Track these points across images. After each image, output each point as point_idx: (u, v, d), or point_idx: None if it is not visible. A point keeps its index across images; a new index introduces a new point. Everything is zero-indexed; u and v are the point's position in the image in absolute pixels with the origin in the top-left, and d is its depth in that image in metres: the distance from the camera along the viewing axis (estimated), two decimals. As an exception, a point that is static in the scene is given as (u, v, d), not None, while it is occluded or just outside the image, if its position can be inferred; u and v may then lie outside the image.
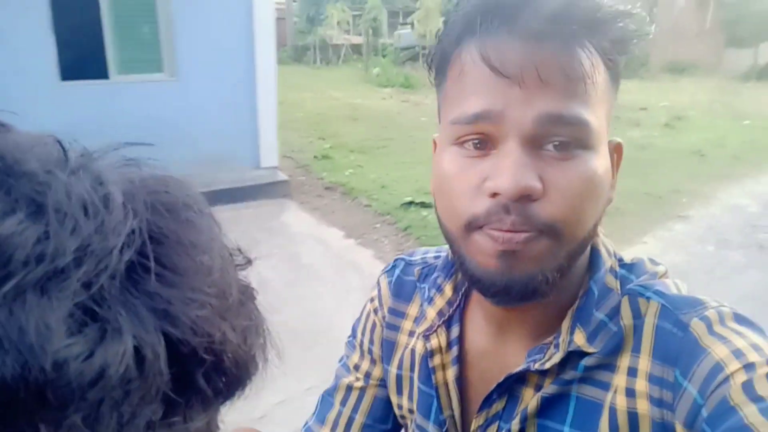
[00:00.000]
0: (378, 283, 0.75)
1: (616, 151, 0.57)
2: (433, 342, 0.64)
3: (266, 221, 5.09)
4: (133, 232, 0.18)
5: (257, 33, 5.76)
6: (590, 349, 0.54)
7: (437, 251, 0.73)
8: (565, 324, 0.55)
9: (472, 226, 0.51)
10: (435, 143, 0.59)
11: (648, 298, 0.55)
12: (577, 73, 0.49)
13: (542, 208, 0.49)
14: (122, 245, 0.18)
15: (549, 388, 0.55)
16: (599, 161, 0.51)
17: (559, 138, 0.49)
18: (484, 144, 0.51)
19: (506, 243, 0.49)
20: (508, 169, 0.48)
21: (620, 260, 0.59)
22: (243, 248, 0.25)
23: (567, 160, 0.50)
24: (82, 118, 4.58)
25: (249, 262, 0.25)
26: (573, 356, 0.55)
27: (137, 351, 0.17)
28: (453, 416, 0.63)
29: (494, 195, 0.49)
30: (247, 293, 0.25)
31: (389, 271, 0.75)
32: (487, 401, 0.59)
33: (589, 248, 0.57)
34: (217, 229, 0.23)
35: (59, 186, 0.18)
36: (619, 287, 0.56)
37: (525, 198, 0.49)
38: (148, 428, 0.18)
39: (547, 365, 0.54)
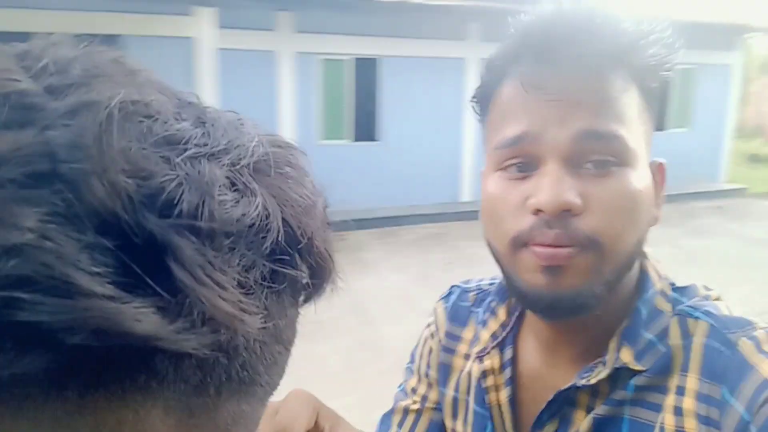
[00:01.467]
0: (435, 309, 0.77)
1: (658, 171, 0.59)
2: (487, 363, 0.65)
3: None
4: (260, 142, 0.25)
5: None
6: (637, 367, 0.54)
7: (492, 279, 0.74)
8: (613, 342, 0.56)
9: (518, 243, 0.53)
10: (482, 177, 0.61)
11: (697, 318, 0.55)
12: (609, 93, 0.52)
13: (583, 222, 0.51)
14: (253, 147, 0.24)
15: (600, 409, 0.56)
16: (638, 178, 0.52)
17: (596, 155, 0.51)
18: (526, 167, 0.53)
19: (550, 259, 0.51)
20: (548, 186, 0.50)
21: (672, 284, 0.60)
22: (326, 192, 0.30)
23: (605, 177, 0.51)
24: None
25: (328, 203, 0.30)
26: (622, 375, 0.55)
27: (265, 213, 0.23)
28: None
29: (537, 212, 0.51)
30: (328, 220, 0.29)
31: (445, 297, 0.77)
32: (539, 422, 0.60)
33: (638, 270, 0.58)
34: (310, 170, 0.29)
35: (212, 111, 0.26)
36: (671, 310, 0.57)
37: (566, 213, 0.50)
38: (264, 280, 0.23)
39: (593, 380, 0.55)
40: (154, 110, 0.22)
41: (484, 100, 0.59)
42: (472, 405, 0.68)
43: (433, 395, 0.74)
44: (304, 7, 7.06)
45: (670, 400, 0.53)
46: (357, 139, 8.00)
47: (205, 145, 0.23)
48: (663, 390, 0.54)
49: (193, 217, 0.20)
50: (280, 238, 0.24)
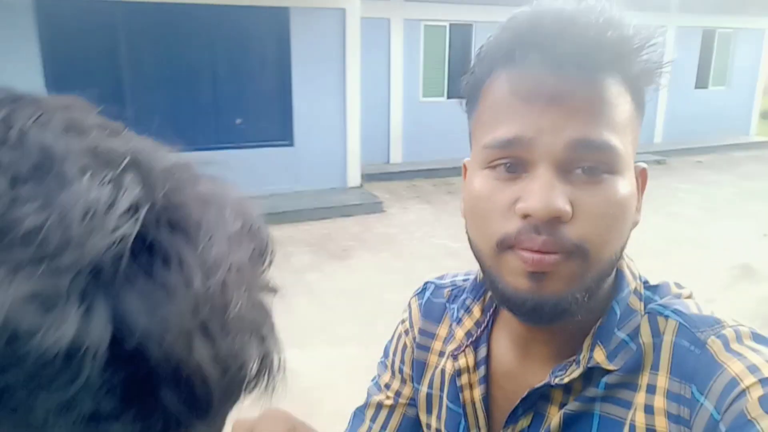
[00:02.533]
0: (409, 305, 0.77)
1: (641, 175, 0.59)
2: (461, 362, 0.66)
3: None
4: (122, 239, 0.20)
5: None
6: (610, 367, 0.55)
7: (466, 274, 0.75)
8: (587, 342, 0.56)
9: (504, 245, 0.53)
10: (465, 167, 0.61)
11: (666, 317, 0.56)
12: (604, 101, 0.51)
13: (571, 229, 0.50)
14: (102, 248, 0.19)
15: (572, 405, 0.57)
16: (626, 185, 0.53)
17: (587, 163, 0.51)
18: (515, 167, 0.53)
19: (536, 265, 0.51)
20: (539, 192, 0.50)
21: (645, 282, 0.61)
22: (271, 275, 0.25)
23: (595, 184, 0.51)
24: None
25: (274, 290, 0.26)
26: (595, 374, 0.56)
27: (76, 345, 0.18)
28: None
29: (525, 216, 0.51)
30: (253, 317, 0.24)
31: (420, 293, 0.77)
32: (513, 417, 0.61)
33: (614, 271, 0.58)
34: (237, 247, 0.23)
35: (75, 188, 0.20)
36: (642, 308, 0.57)
37: (555, 220, 0.50)
38: (84, 424, 0.19)
39: (566, 380, 0.56)
40: None
41: (473, 91, 0.58)
42: (445, 402, 0.68)
43: (406, 391, 0.74)
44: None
45: (640, 397, 0.54)
46: (450, 97, 9.07)
47: (28, 244, 0.18)
48: (633, 387, 0.55)
49: None
50: (101, 376, 0.19)
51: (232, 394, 0.24)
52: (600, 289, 0.55)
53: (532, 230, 0.51)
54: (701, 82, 11.28)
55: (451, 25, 8.87)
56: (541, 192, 0.50)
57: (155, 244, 0.21)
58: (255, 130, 7.09)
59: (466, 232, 0.59)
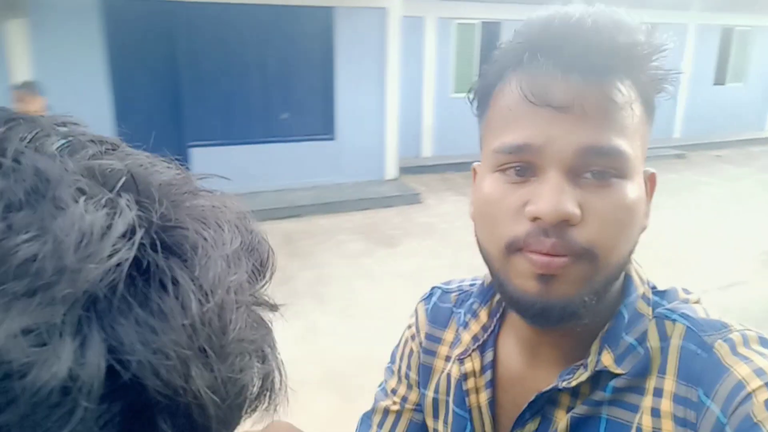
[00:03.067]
0: (416, 311, 0.77)
1: (649, 180, 0.59)
2: (467, 366, 0.66)
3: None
4: (117, 265, 0.20)
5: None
6: (617, 370, 0.55)
7: (473, 279, 0.74)
8: (594, 346, 0.57)
9: (512, 247, 0.53)
10: (474, 171, 0.62)
11: (674, 321, 0.56)
12: (615, 106, 0.51)
13: (580, 233, 0.51)
14: (97, 276, 0.19)
15: (579, 408, 0.56)
16: (635, 190, 0.53)
17: (597, 167, 0.51)
18: (525, 171, 0.53)
19: (545, 267, 0.51)
20: (549, 195, 0.50)
21: (653, 288, 0.61)
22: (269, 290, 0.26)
23: (604, 188, 0.52)
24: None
25: (274, 306, 0.26)
26: (602, 377, 0.56)
27: (72, 377, 0.18)
28: None
29: (535, 219, 0.51)
30: (252, 339, 0.24)
31: (426, 299, 0.77)
32: (520, 421, 0.61)
33: (623, 275, 0.58)
34: (234, 269, 0.23)
35: (71, 215, 0.20)
36: (651, 313, 0.58)
37: (564, 223, 0.50)
38: None
39: (574, 383, 0.56)
40: None
41: (484, 95, 0.59)
42: (451, 406, 0.68)
43: (413, 396, 0.74)
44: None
45: (647, 401, 0.54)
46: (479, 93, 9.39)
47: (23, 276, 0.18)
48: (641, 391, 0.55)
49: None
50: (100, 405, 0.19)
51: (231, 419, 0.24)
52: (608, 292, 0.55)
53: (541, 233, 0.51)
54: (719, 79, 11.57)
55: (482, 23, 9.19)
56: (551, 195, 0.50)
57: (151, 269, 0.21)
58: (299, 125, 7.44)
59: (475, 235, 0.59)
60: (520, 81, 0.53)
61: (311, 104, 7.48)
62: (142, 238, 0.21)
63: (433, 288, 0.78)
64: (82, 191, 0.21)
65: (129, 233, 0.21)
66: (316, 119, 7.53)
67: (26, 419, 0.18)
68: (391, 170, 7.97)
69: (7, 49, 5.87)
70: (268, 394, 0.25)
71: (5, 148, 0.21)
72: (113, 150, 0.25)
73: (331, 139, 7.60)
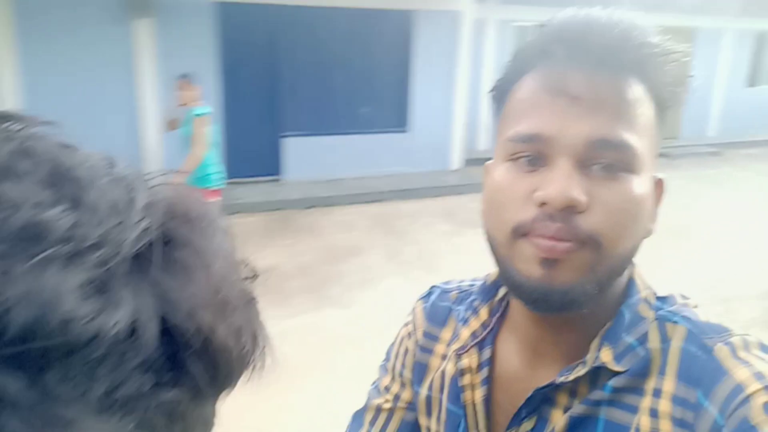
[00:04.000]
0: (414, 309, 0.77)
1: (657, 186, 0.60)
2: (465, 362, 0.66)
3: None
4: (146, 229, 0.23)
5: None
6: (616, 367, 0.55)
7: (472, 280, 0.75)
8: (594, 343, 0.57)
9: (518, 232, 0.54)
10: (486, 169, 0.62)
11: (675, 323, 0.57)
12: (627, 102, 0.53)
13: (586, 220, 0.52)
14: (135, 239, 0.22)
15: (577, 408, 0.57)
16: (642, 186, 0.54)
17: (606, 160, 0.52)
18: (536, 161, 0.54)
19: (549, 251, 0.52)
20: (557, 181, 0.51)
21: (654, 293, 0.61)
22: (250, 261, 0.29)
23: (612, 180, 0.53)
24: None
25: (255, 275, 0.29)
26: (601, 376, 0.57)
27: (133, 323, 0.21)
28: None
29: (542, 205, 0.52)
30: (248, 300, 0.28)
31: (425, 297, 0.77)
32: (516, 419, 0.61)
33: (626, 278, 0.59)
34: (226, 241, 0.27)
35: (97, 188, 0.23)
36: (653, 317, 0.58)
37: (570, 209, 0.51)
38: (139, 397, 0.21)
39: (572, 377, 0.56)
40: (8, 198, 0.20)
41: (502, 91, 0.60)
42: (445, 403, 0.68)
43: (405, 395, 0.74)
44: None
45: (646, 402, 0.54)
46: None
47: (69, 240, 0.20)
48: (640, 392, 0.55)
49: (23, 343, 0.18)
50: (155, 350, 0.22)
51: (242, 366, 0.27)
52: (610, 287, 0.56)
53: (547, 218, 0.52)
54: (752, 81, 12.18)
55: (537, 26, 9.80)
56: (559, 181, 0.51)
57: (173, 235, 0.24)
58: (377, 118, 8.14)
59: (483, 226, 0.60)
60: (537, 74, 0.56)
61: (388, 99, 8.17)
62: (162, 208, 0.25)
63: (432, 287, 0.78)
64: (97, 173, 0.24)
65: (149, 205, 0.24)
66: (391, 113, 8.22)
67: (91, 365, 0.20)
68: (456, 161, 8.64)
69: (135, 46, 6.57)
70: (260, 348, 0.28)
71: (13, 138, 0.23)
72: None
73: (405, 131, 8.29)
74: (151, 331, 0.22)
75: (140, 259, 0.22)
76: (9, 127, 0.24)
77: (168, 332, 0.23)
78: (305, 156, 7.70)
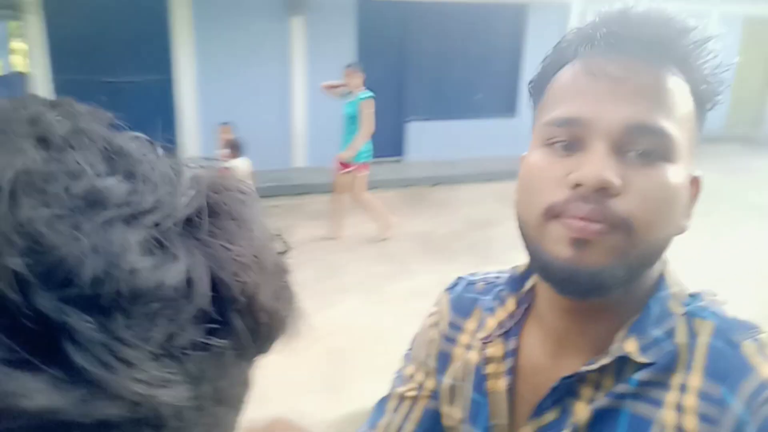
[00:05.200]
0: (439, 299, 0.78)
1: (694, 183, 0.59)
2: (490, 351, 0.66)
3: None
4: (194, 197, 0.25)
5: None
6: (640, 359, 0.55)
7: (498, 272, 0.75)
8: (620, 334, 0.57)
9: (550, 213, 0.54)
10: (522, 159, 0.62)
11: (704, 318, 0.57)
12: (666, 90, 0.53)
13: (619, 203, 0.51)
14: (185, 205, 0.24)
15: (601, 400, 0.56)
16: (677, 176, 0.53)
17: (642, 146, 0.52)
18: (572, 146, 0.54)
19: (580, 231, 0.52)
20: (591, 163, 0.51)
21: (685, 291, 0.61)
22: (283, 236, 0.30)
23: (647, 167, 0.52)
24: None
25: (288, 248, 0.31)
26: (626, 369, 0.56)
27: (188, 277, 0.23)
28: (500, 425, 0.66)
29: (576, 186, 0.52)
30: (282, 267, 0.29)
31: (451, 288, 0.78)
32: (539, 409, 0.61)
33: (657, 273, 0.59)
34: (261, 214, 0.29)
35: (147, 163, 0.25)
36: (682, 313, 0.58)
37: (604, 191, 0.51)
38: (192, 347, 0.23)
39: (596, 366, 0.56)
40: (70, 170, 0.22)
41: (543, 81, 0.60)
42: (469, 392, 0.69)
43: (429, 384, 0.75)
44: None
45: (672, 396, 0.54)
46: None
47: (128, 204, 0.22)
48: (665, 386, 0.55)
49: (93, 290, 0.20)
50: (207, 303, 0.23)
51: (280, 328, 0.28)
52: (640, 276, 0.56)
53: (581, 199, 0.52)
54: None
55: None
56: (594, 163, 0.51)
57: (217, 205, 0.26)
58: (489, 104, 8.83)
59: (515, 209, 0.60)
60: (577, 61, 0.57)
61: (500, 87, 8.85)
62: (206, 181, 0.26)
63: (458, 278, 0.79)
64: (144, 149, 0.26)
65: (196, 178, 0.26)
66: (502, 100, 8.89)
67: (152, 313, 0.21)
68: (558, 145, 9.25)
69: (291, 39, 7.46)
70: (294, 315, 0.30)
71: (70, 119, 0.25)
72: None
73: (513, 117, 8.95)
74: (203, 285, 0.23)
75: (190, 224, 0.24)
76: (65, 110, 0.26)
77: (217, 289, 0.24)
78: (425, 139, 8.47)
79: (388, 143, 8.37)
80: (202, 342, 0.24)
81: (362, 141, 5.31)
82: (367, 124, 5.28)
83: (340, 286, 4.53)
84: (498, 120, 8.84)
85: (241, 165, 5.34)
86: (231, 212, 0.27)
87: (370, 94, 5.33)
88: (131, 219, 0.22)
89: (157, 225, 0.23)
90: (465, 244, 5.55)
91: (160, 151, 0.27)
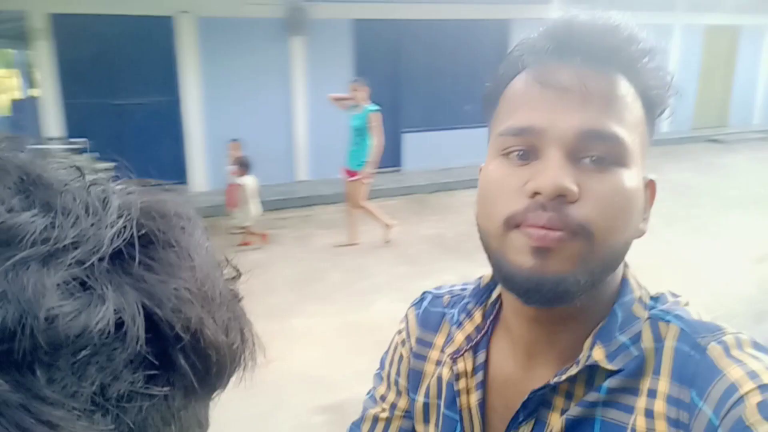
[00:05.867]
0: (406, 316, 0.78)
1: (649, 187, 0.60)
2: (460, 366, 0.66)
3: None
4: (124, 227, 0.23)
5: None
6: (609, 366, 0.56)
7: (464, 284, 0.75)
8: (587, 342, 0.58)
9: (510, 223, 0.54)
10: (481, 170, 0.62)
11: (668, 322, 0.57)
12: (616, 96, 0.54)
13: (577, 209, 0.52)
14: (113, 236, 0.22)
15: (573, 410, 0.57)
16: (632, 180, 0.55)
17: (596, 152, 0.53)
18: (527, 155, 0.55)
19: (540, 240, 0.52)
20: (547, 171, 0.52)
21: (648, 294, 0.62)
22: (231, 261, 0.28)
23: (602, 173, 0.53)
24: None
25: (239, 274, 0.28)
26: (596, 377, 0.57)
27: (118, 318, 0.20)
28: None
29: (534, 195, 0.53)
30: (233, 297, 0.27)
31: (417, 304, 0.78)
32: (514, 423, 0.61)
33: (619, 277, 0.60)
34: (205, 239, 0.26)
35: (68, 193, 0.22)
36: (646, 316, 0.58)
37: (562, 198, 0.52)
38: (130, 397, 0.21)
39: (564, 377, 0.57)
40: None
41: (495, 90, 0.61)
42: (442, 409, 0.69)
43: (402, 403, 0.74)
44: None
45: (641, 402, 0.55)
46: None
47: (45, 241, 0.20)
48: (635, 392, 0.55)
49: (5, 344, 0.18)
50: (143, 346, 0.21)
51: (233, 362, 0.26)
52: (603, 282, 0.56)
53: (539, 207, 0.52)
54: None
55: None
56: (550, 171, 0.52)
57: (152, 233, 0.24)
58: (477, 114, 9.22)
59: (476, 221, 0.60)
60: (529, 71, 0.57)
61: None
62: (138, 208, 0.24)
63: (424, 293, 0.79)
64: (68, 178, 0.24)
65: (126, 206, 0.24)
66: (490, 110, 9.35)
67: (80, 363, 0.19)
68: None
69: (291, 58, 7.77)
70: (249, 345, 0.27)
71: None
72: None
73: (501, 125, 9.41)
74: (137, 326, 0.21)
75: (120, 258, 0.22)
76: None
77: (156, 328, 0.22)
78: (420, 149, 8.84)
79: (387, 154, 8.64)
80: (142, 390, 0.22)
81: (378, 152, 5.60)
82: (379, 134, 5.58)
83: (370, 287, 4.81)
84: (486, 130, 9.27)
85: (249, 182, 5.64)
86: (168, 240, 0.25)
87: (377, 107, 5.62)
88: (49, 258, 0.20)
89: (79, 262, 0.21)
90: (475, 244, 5.67)
91: (88, 178, 0.25)
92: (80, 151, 5.30)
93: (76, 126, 6.62)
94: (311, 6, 7.38)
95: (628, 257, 0.60)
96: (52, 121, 6.81)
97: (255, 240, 5.83)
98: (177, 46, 7.26)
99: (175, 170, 6.54)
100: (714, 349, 0.53)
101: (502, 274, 0.57)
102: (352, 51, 8.18)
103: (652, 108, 0.58)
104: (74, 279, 0.20)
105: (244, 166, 5.69)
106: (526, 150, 0.55)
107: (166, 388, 0.23)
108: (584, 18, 0.57)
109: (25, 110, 7.81)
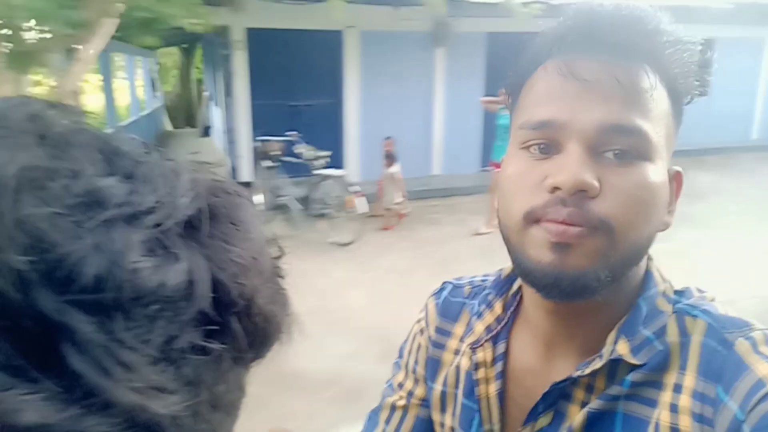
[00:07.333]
0: (426, 305, 0.78)
1: (675, 179, 0.59)
2: (479, 356, 0.66)
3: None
4: (195, 198, 0.25)
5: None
6: (633, 360, 0.55)
7: (484, 276, 0.76)
8: (611, 336, 0.57)
9: (530, 218, 0.54)
10: (501, 164, 0.62)
11: (695, 317, 0.56)
12: (639, 88, 0.52)
13: (597, 204, 0.51)
14: (185, 205, 0.24)
15: (595, 403, 0.56)
16: (656, 174, 0.53)
17: (618, 146, 0.52)
18: (548, 148, 0.54)
19: (560, 235, 0.51)
20: (568, 166, 0.51)
21: (672, 287, 0.61)
22: (278, 240, 0.31)
23: (625, 167, 0.52)
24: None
25: (283, 252, 0.30)
26: (618, 371, 0.56)
27: (189, 278, 0.22)
28: (493, 431, 0.65)
29: (554, 189, 0.52)
30: (278, 272, 0.30)
31: (437, 293, 0.78)
32: (533, 414, 0.61)
33: (643, 270, 0.59)
34: (258, 219, 0.29)
35: (146, 164, 0.25)
36: (671, 310, 0.58)
37: (582, 193, 0.51)
38: (191, 351, 0.23)
39: (588, 371, 0.56)
40: (71, 168, 0.22)
41: (517, 84, 0.60)
42: (460, 398, 0.69)
43: (419, 391, 0.75)
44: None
45: (666, 396, 0.54)
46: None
47: (128, 204, 0.22)
48: (659, 386, 0.55)
49: (95, 290, 0.20)
50: (208, 305, 0.23)
51: (275, 333, 0.28)
52: (624, 276, 0.55)
53: (559, 203, 0.52)
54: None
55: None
56: (571, 166, 0.51)
57: (216, 208, 0.26)
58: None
59: (497, 215, 0.60)
60: (551, 64, 0.56)
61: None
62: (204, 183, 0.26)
63: (444, 283, 0.79)
64: (142, 151, 0.26)
65: (194, 180, 0.26)
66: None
67: (153, 315, 0.21)
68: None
69: (435, 66, 8.90)
70: (288, 320, 0.30)
71: (68, 118, 0.25)
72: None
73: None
74: (204, 286, 0.23)
75: (190, 226, 0.24)
76: (62, 109, 0.25)
77: (216, 291, 0.24)
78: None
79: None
80: (201, 345, 0.23)
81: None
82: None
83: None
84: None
85: (395, 171, 6.74)
86: (229, 215, 0.27)
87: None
88: (132, 219, 0.22)
89: (158, 225, 0.23)
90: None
91: (156, 153, 0.27)
92: (293, 143, 6.54)
93: (259, 123, 7.91)
94: (454, 20, 8.43)
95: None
96: (243, 118, 8.14)
97: (394, 221, 6.77)
98: (344, 55, 8.47)
99: (334, 161, 7.66)
100: (741, 345, 0.53)
101: (522, 269, 0.56)
102: (484, 60, 9.17)
103: (678, 98, 0.57)
104: (153, 239, 0.22)
105: (390, 158, 6.79)
106: (547, 143, 0.55)
107: (221, 347, 0.25)
108: (608, 7, 0.56)
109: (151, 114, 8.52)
